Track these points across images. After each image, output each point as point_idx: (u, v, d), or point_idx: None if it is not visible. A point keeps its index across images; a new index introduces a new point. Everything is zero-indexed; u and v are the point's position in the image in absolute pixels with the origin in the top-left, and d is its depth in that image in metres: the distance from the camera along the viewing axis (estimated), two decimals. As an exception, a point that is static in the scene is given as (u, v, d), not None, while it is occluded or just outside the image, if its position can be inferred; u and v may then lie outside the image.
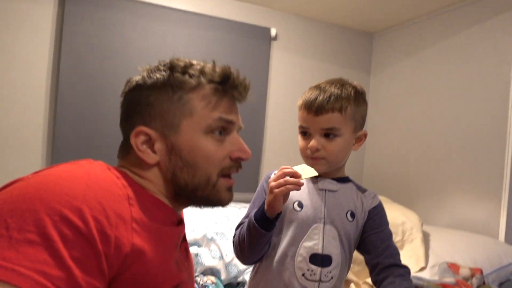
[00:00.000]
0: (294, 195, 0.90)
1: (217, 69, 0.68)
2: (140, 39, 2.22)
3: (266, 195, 0.88)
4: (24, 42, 2.03)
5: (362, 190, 0.97)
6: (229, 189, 0.71)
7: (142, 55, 2.16)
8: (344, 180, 0.96)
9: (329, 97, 0.88)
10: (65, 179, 0.52)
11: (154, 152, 0.65)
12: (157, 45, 2.23)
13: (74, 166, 0.57)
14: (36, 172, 0.55)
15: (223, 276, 1.51)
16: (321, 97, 0.88)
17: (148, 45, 2.22)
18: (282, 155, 2.61)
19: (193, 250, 1.52)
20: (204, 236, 1.59)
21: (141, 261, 0.55)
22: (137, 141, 0.65)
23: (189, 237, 1.54)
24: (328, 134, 0.89)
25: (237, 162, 0.71)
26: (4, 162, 2.00)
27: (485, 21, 2.11)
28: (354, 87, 0.92)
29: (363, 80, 2.91)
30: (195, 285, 1.39)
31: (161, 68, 0.68)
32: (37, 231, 0.46)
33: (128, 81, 0.70)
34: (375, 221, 0.93)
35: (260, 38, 2.53)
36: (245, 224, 0.88)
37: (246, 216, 0.93)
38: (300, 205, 0.90)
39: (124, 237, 0.53)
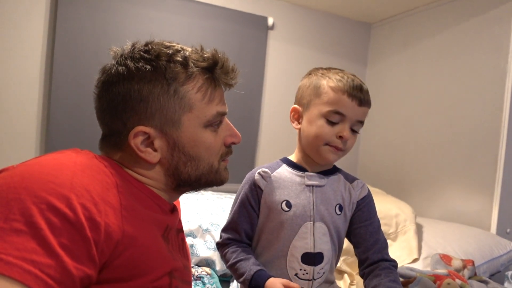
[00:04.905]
0: (281, 194, 0.88)
1: (206, 56, 0.67)
2: (135, 27, 2.18)
3: (251, 203, 0.89)
4: (17, 31, 1.99)
5: (350, 180, 0.95)
6: (226, 168, 0.75)
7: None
8: (332, 171, 0.94)
9: (367, 90, 0.87)
10: (51, 168, 0.51)
11: (155, 150, 0.64)
12: (153, 33, 2.18)
13: (60, 155, 0.56)
14: (22, 162, 0.54)
15: (218, 267, 1.51)
16: (364, 87, 0.86)
17: (143, 33, 2.16)
18: (278, 145, 2.61)
19: (188, 241, 1.52)
20: (199, 227, 1.59)
21: (132, 248, 0.55)
22: (136, 142, 0.63)
23: (184, 228, 1.54)
24: (356, 127, 0.87)
25: (231, 147, 0.74)
26: (-3, 151, 1.98)
27: (482, 14, 2.09)
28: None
29: (360, 71, 2.90)
30: (190, 275, 1.40)
31: (146, 56, 0.64)
32: (23, 220, 0.45)
33: (106, 70, 0.66)
34: (364, 213, 0.92)
35: (257, 27, 2.50)
36: (237, 265, 0.86)
37: (231, 222, 0.92)
38: (288, 204, 0.88)
39: (115, 224, 0.53)
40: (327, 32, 2.78)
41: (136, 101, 0.63)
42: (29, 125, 2.04)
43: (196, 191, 0.73)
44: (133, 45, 0.68)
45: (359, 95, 0.84)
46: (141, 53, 0.65)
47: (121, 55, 0.67)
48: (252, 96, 2.51)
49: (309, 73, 0.93)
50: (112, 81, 0.64)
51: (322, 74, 0.89)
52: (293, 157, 0.96)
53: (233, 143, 0.73)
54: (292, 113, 0.94)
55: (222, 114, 0.70)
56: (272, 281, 0.79)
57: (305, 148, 0.92)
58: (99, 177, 0.55)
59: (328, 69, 0.90)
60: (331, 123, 0.86)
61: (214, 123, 0.69)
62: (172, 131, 0.64)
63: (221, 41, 2.39)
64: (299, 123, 0.92)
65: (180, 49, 0.67)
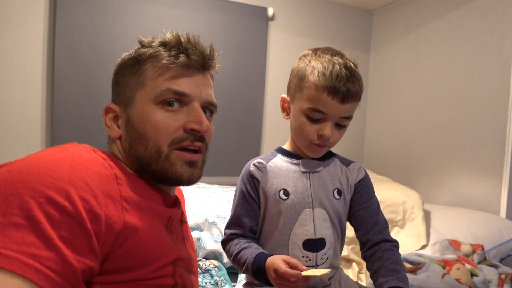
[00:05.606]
0: (278, 183, 0.87)
1: (168, 36, 0.68)
2: (135, 23, 2.17)
3: (251, 195, 0.88)
4: (17, 31, 1.99)
5: (346, 163, 0.94)
6: (189, 165, 0.66)
7: (137, 38, 2.12)
8: (327, 156, 0.93)
9: (355, 83, 0.81)
10: (49, 162, 0.51)
11: (118, 127, 0.68)
12: (152, 27, 2.18)
13: (58, 150, 0.56)
14: (20, 158, 0.54)
15: (225, 260, 1.51)
16: (350, 83, 0.80)
17: (143, 27, 2.18)
18: (283, 136, 2.59)
19: (195, 234, 1.52)
20: (206, 220, 1.59)
21: (134, 238, 0.55)
22: (106, 118, 0.68)
23: (191, 222, 1.54)
24: (342, 122, 0.84)
25: (192, 134, 0.66)
26: (3, 154, 1.99)
27: (487, -6, 2.05)
28: (356, 65, 0.86)
29: (363, 58, 2.87)
30: (198, 269, 1.40)
31: (134, 47, 0.71)
32: (22, 214, 0.45)
33: None
34: (362, 195, 0.91)
35: (257, 18, 2.47)
36: (239, 254, 0.84)
37: (233, 217, 0.90)
38: (286, 193, 0.87)
39: (115, 215, 0.53)
40: (328, 20, 2.74)
41: (113, 85, 0.71)
42: (33, 124, 2.05)
43: (160, 183, 0.68)
44: None
45: (342, 89, 0.79)
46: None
47: None
48: (255, 88, 2.49)
49: (300, 57, 0.90)
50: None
51: (309, 61, 0.85)
52: (287, 146, 0.95)
53: (194, 129, 0.65)
54: (282, 103, 0.92)
55: (178, 94, 0.65)
56: (272, 257, 0.77)
57: (294, 139, 0.91)
58: (97, 169, 0.55)
59: (320, 53, 0.86)
60: (313, 120, 0.83)
61: (166, 101, 0.65)
62: (128, 108, 0.67)
63: (221, 33, 2.37)
64: (288, 113, 0.90)
65: (160, 38, 0.70)
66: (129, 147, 0.66)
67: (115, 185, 0.56)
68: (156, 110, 0.64)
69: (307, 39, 2.67)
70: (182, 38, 0.67)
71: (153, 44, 0.68)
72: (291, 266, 0.74)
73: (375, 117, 2.84)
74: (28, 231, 0.45)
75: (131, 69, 0.68)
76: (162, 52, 0.66)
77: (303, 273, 0.71)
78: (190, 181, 0.67)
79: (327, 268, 0.89)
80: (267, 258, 0.78)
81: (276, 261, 0.75)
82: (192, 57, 0.66)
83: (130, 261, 0.55)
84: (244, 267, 0.82)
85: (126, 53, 0.71)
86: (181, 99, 0.66)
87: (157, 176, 0.66)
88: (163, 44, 0.68)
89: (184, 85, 0.66)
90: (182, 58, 0.65)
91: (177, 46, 0.67)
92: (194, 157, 0.67)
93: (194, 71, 0.68)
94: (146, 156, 0.64)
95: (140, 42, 0.70)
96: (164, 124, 0.64)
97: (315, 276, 0.81)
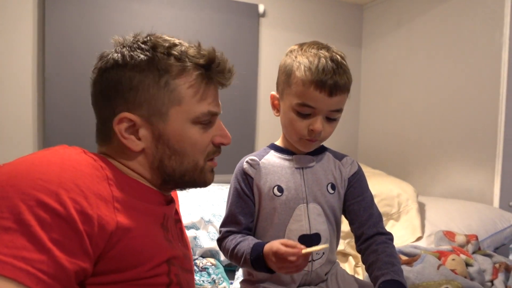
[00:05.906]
0: (272, 179, 0.87)
1: (203, 53, 0.66)
2: (126, 22, 2.16)
3: (245, 192, 0.87)
4: (6, 32, 1.97)
5: (339, 157, 0.94)
6: (212, 170, 0.73)
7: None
8: (319, 151, 0.93)
9: (342, 75, 0.80)
10: (38, 165, 0.51)
11: (139, 139, 0.64)
12: (143, 26, 2.16)
13: (48, 152, 0.56)
14: (9, 162, 0.54)
15: (222, 257, 1.52)
16: (337, 76, 0.79)
17: (133, 26, 2.13)
18: (276, 134, 2.59)
19: (191, 233, 1.52)
20: (202, 219, 1.59)
21: (127, 238, 0.55)
22: (120, 128, 0.63)
23: (187, 221, 1.54)
24: (332, 116, 0.83)
25: (219, 147, 0.73)
26: (-5, 156, 1.97)
27: (475, -14, 2.06)
28: (343, 57, 0.86)
29: (355, 53, 2.87)
30: (195, 267, 1.40)
31: (142, 46, 0.65)
32: (12, 217, 0.45)
33: (103, 57, 0.67)
34: (356, 189, 0.92)
35: (248, 15, 2.47)
36: (236, 248, 0.83)
37: (228, 215, 0.90)
38: (280, 189, 0.87)
39: (107, 216, 0.53)
40: (319, 16, 2.74)
41: (126, 89, 0.63)
42: (24, 127, 2.03)
43: (180, 189, 0.73)
44: (135, 36, 0.69)
45: (330, 82, 0.78)
46: (139, 43, 0.66)
47: (121, 44, 0.68)
48: (247, 85, 2.49)
49: (287, 53, 0.90)
50: (107, 67, 0.65)
51: (295, 56, 0.85)
52: (279, 142, 0.95)
53: (222, 143, 0.73)
54: (271, 100, 0.92)
55: (214, 114, 0.69)
56: (269, 243, 0.77)
57: (285, 135, 0.92)
58: (88, 171, 0.55)
59: (306, 47, 0.86)
60: (302, 115, 0.82)
61: (204, 121, 0.68)
62: (159, 123, 0.64)
63: (212, 31, 2.36)
64: (278, 110, 0.90)
65: (178, 43, 0.67)
66: (158, 162, 0.66)
67: (107, 186, 0.56)
68: (193, 128, 0.67)
69: (299, 35, 2.67)
70: (217, 60, 0.68)
71: (175, 54, 0.64)
72: (289, 247, 0.75)
73: (368, 111, 2.85)
74: (19, 234, 0.45)
75: (157, 80, 0.63)
76: (198, 72, 0.66)
77: (303, 251, 0.72)
78: (209, 184, 0.74)
79: (324, 262, 0.90)
80: (264, 245, 0.78)
81: (275, 244, 0.75)
82: (230, 82, 0.71)
83: (124, 261, 0.55)
84: (242, 259, 0.81)
85: (141, 55, 0.63)
86: (213, 118, 0.70)
87: (186, 185, 0.71)
88: (187, 55, 0.65)
89: (218, 106, 0.71)
90: (225, 83, 0.70)
91: (210, 65, 0.67)
92: (216, 163, 0.74)
93: (218, 89, 0.72)
94: (181, 170, 0.67)
95: (155, 46, 0.65)
96: (201, 141, 0.68)
97: (313, 261, 0.82)
